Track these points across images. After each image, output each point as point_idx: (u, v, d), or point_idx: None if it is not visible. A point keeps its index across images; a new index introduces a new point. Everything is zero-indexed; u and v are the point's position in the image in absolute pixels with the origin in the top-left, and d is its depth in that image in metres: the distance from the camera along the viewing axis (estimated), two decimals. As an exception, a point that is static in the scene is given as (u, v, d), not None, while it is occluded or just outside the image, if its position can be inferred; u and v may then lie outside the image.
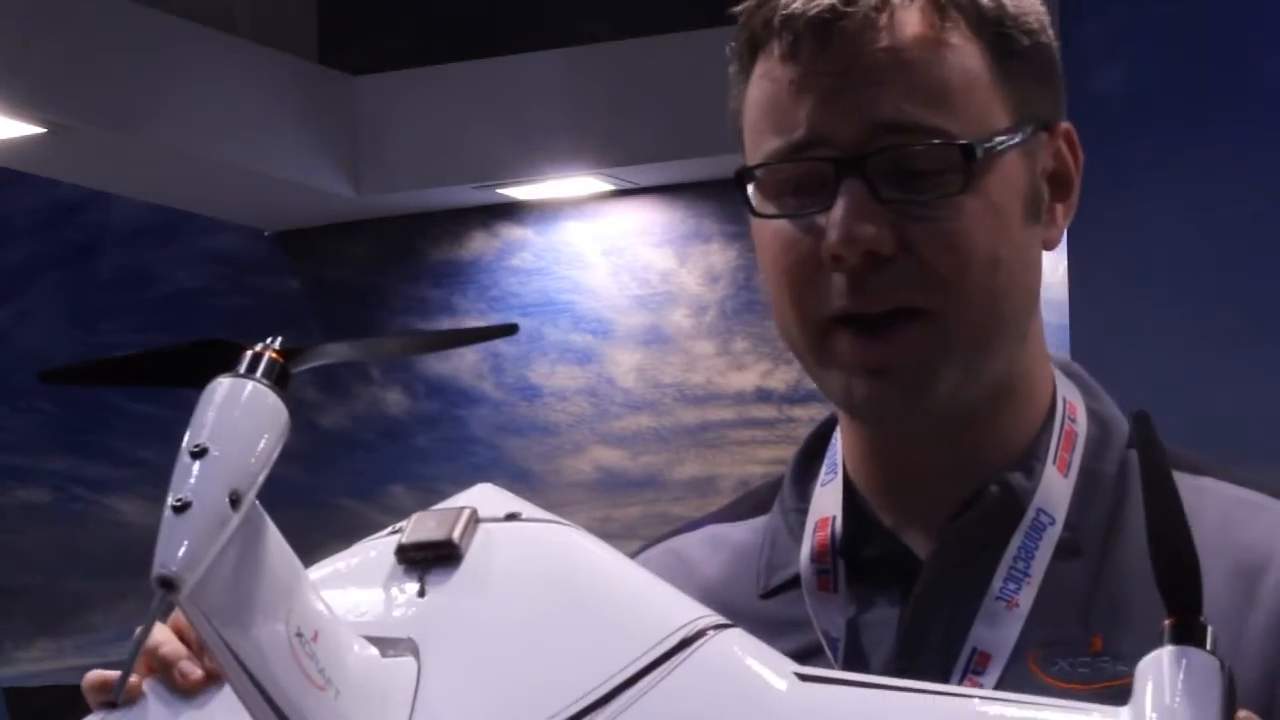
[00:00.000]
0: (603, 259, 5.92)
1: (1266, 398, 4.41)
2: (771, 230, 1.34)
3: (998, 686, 1.29)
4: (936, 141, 1.29)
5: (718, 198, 5.75)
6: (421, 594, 1.13)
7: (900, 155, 1.29)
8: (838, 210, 1.29)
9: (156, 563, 0.98)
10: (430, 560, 1.14)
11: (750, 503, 1.48)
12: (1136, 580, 1.30)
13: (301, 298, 6.19)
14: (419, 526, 1.16)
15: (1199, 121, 4.61)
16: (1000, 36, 1.32)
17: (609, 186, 5.81)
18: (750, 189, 1.36)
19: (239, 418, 1.03)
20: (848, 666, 1.32)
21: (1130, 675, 1.24)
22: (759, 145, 1.36)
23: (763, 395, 5.75)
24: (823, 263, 1.31)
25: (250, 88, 5.55)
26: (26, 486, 6.46)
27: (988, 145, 1.30)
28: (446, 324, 6.06)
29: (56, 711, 6.41)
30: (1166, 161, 4.54)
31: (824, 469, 1.42)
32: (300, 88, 5.73)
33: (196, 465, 1.00)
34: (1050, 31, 1.37)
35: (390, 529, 1.18)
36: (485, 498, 1.20)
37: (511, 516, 1.20)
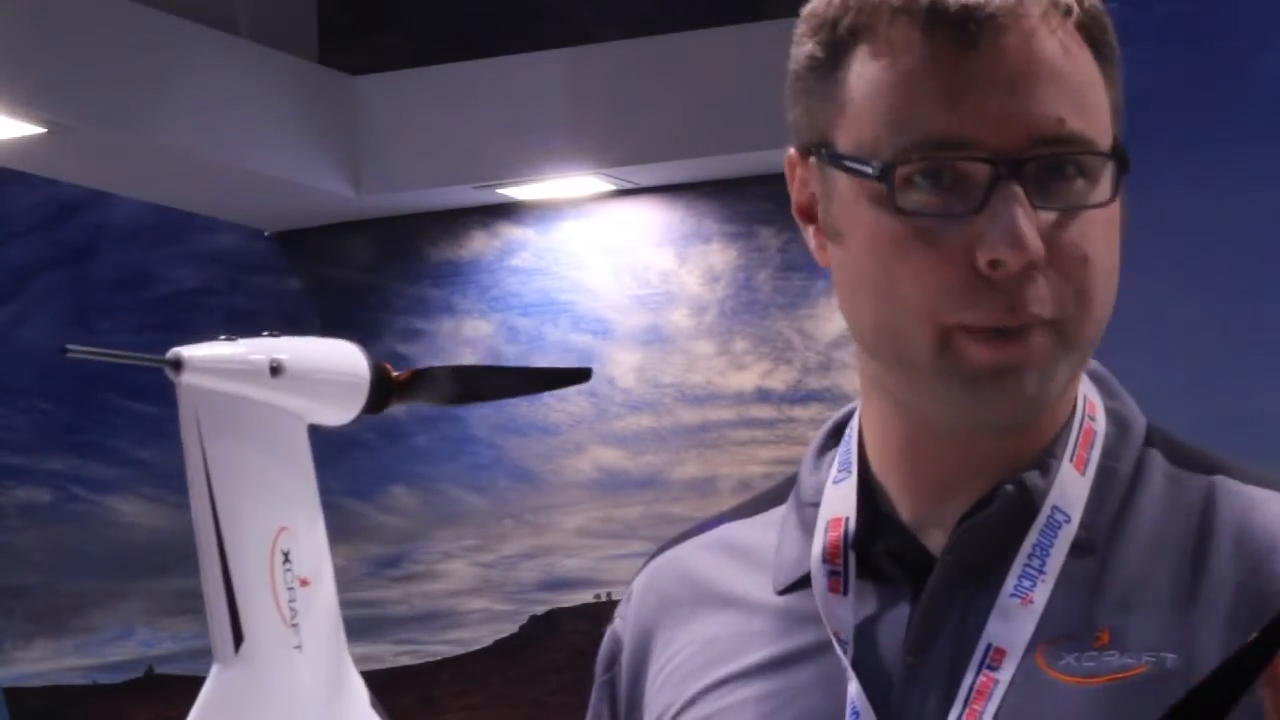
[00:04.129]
0: (603, 259, 5.92)
1: (1268, 399, 4.41)
2: (896, 225, 1.28)
3: (1010, 682, 1.29)
4: (1095, 152, 1.27)
5: (718, 198, 5.75)
6: None
7: (1057, 163, 1.27)
8: (1005, 216, 1.25)
9: (181, 346, 1.05)
10: None
11: (767, 497, 1.48)
12: (1142, 573, 1.31)
13: (301, 298, 6.19)
14: None
15: (1200, 120, 4.61)
16: (1101, 48, 1.31)
17: (609, 186, 5.82)
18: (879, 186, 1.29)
19: (324, 344, 1.09)
20: (858, 667, 1.33)
21: (1135, 667, 1.24)
22: (880, 134, 1.28)
23: (763, 395, 5.75)
24: (967, 266, 1.26)
25: (250, 88, 5.55)
26: (26, 486, 6.46)
27: (1125, 156, 1.30)
28: (446, 324, 6.07)
29: (56, 711, 6.42)
30: (1167, 159, 4.53)
31: (837, 467, 1.41)
32: (300, 88, 5.73)
33: (262, 338, 1.07)
34: None
35: None
36: None
37: None
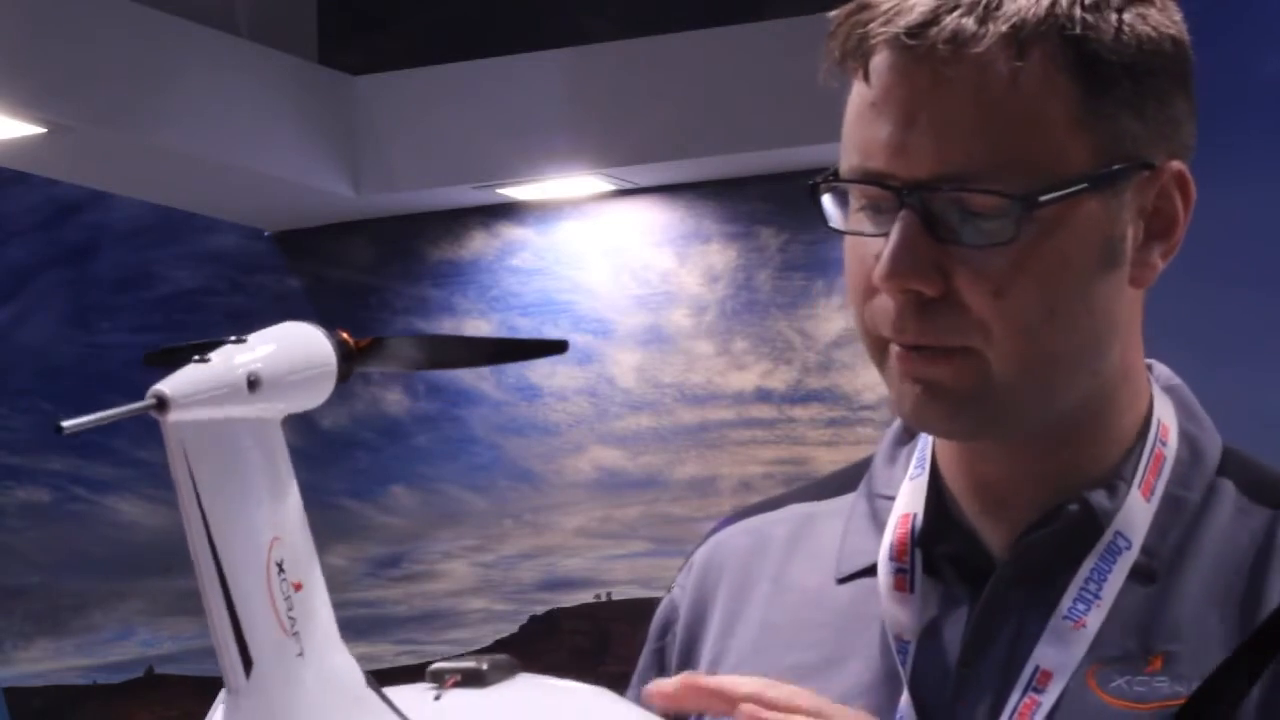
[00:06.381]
0: (603, 259, 5.92)
1: (1270, 397, 4.41)
2: (848, 243, 1.33)
3: (1056, 704, 1.28)
4: (987, 190, 1.25)
5: (718, 198, 5.75)
6: (436, 698, 1.17)
7: (955, 197, 1.26)
8: (889, 243, 1.27)
9: (160, 382, 1.03)
10: (457, 681, 1.19)
11: (837, 482, 1.48)
12: (1199, 604, 1.30)
13: (301, 298, 6.19)
14: (455, 660, 1.22)
15: (1199, 120, 4.60)
16: (1093, 74, 1.27)
17: (609, 186, 5.81)
18: (826, 199, 1.33)
19: (287, 338, 1.08)
20: (919, 668, 1.32)
21: (1185, 696, 1.23)
22: (843, 159, 1.32)
23: (763, 395, 5.75)
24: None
25: (250, 88, 5.55)
26: (26, 486, 6.46)
27: (1051, 195, 1.26)
28: (447, 324, 6.06)
29: (56, 711, 6.42)
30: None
31: (914, 462, 1.41)
32: (300, 88, 5.73)
33: (230, 346, 1.05)
34: (1173, 59, 1.31)
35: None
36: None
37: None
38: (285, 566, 1.08)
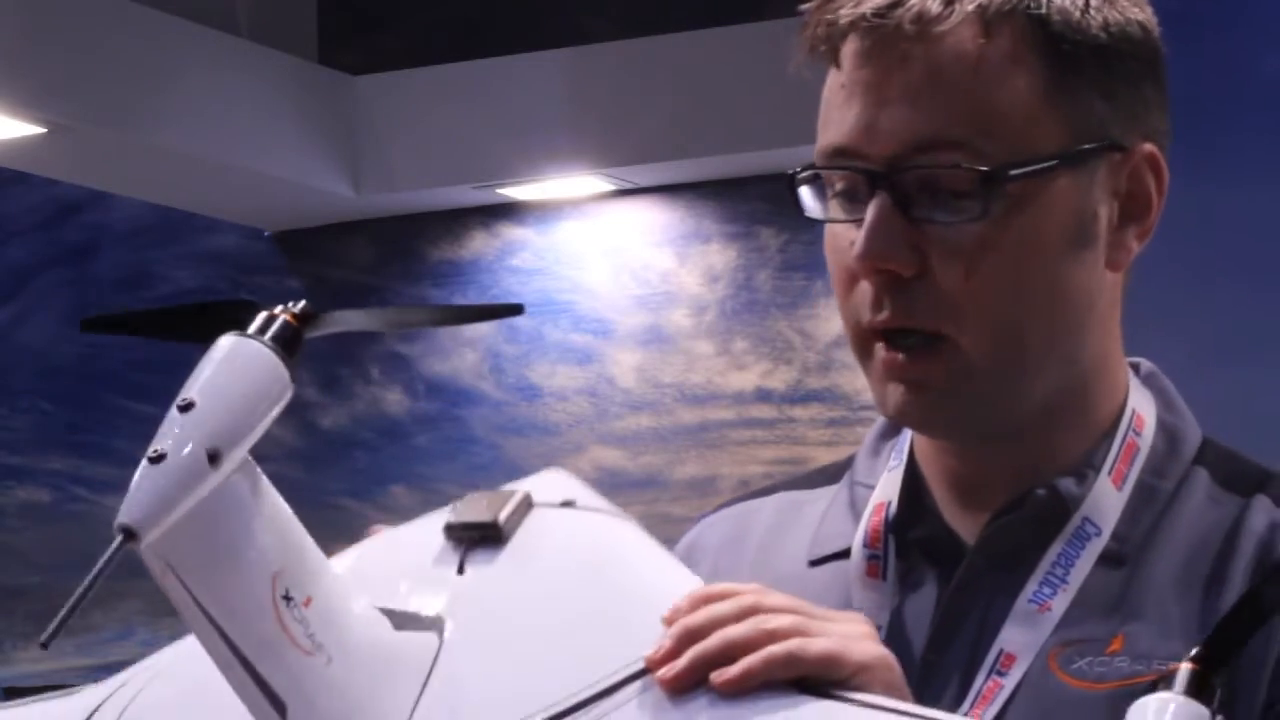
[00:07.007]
0: (603, 259, 5.92)
1: (1269, 395, 4.41)
2: (827, 232, 1.34)
3: (1019, 686, 1.29)
4: (957, 165, 1.27)
5: (718, 198, 5.75)
6: (460, 571, 1.14)
7: (927, 175, 1.28)
8: (865, 224, 1.28)
9: (121, 510, 0.98)
10: (475, 540, 1.15)
11: (827, 473, 1.49)
12: (1164, 588, 1.31)
13: (301, 298, 6.16)
14: (470, 506, 1.17)
15: (1200, 120, 4.60)
16: (1059, 54, 1.29)
17: (609, 186, 5.81)
18: (804, 190, 1.35)
19: (233, 377, 1.03)
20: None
21: (1144, 675, 1.24)
22: (818, 146, 1.35)
23: (762, 395, 5.75)
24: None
25: (250, 88, 5.55)
26: (26, 486, 6.46)
27: (1019, 170, 1.27)
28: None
29: (56, 711, 6.41)
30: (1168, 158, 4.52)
31: (894, 454, 1.42)
32: (300, 88, 5.73)
33: (180, 418, 1.00)
34: (1141, 45, 1.33)
35: (450, 505, 1.20)
36: (547, 484, 1.22)
37: (567, 504, 1.23)
38: (292, 592, 1.03)
